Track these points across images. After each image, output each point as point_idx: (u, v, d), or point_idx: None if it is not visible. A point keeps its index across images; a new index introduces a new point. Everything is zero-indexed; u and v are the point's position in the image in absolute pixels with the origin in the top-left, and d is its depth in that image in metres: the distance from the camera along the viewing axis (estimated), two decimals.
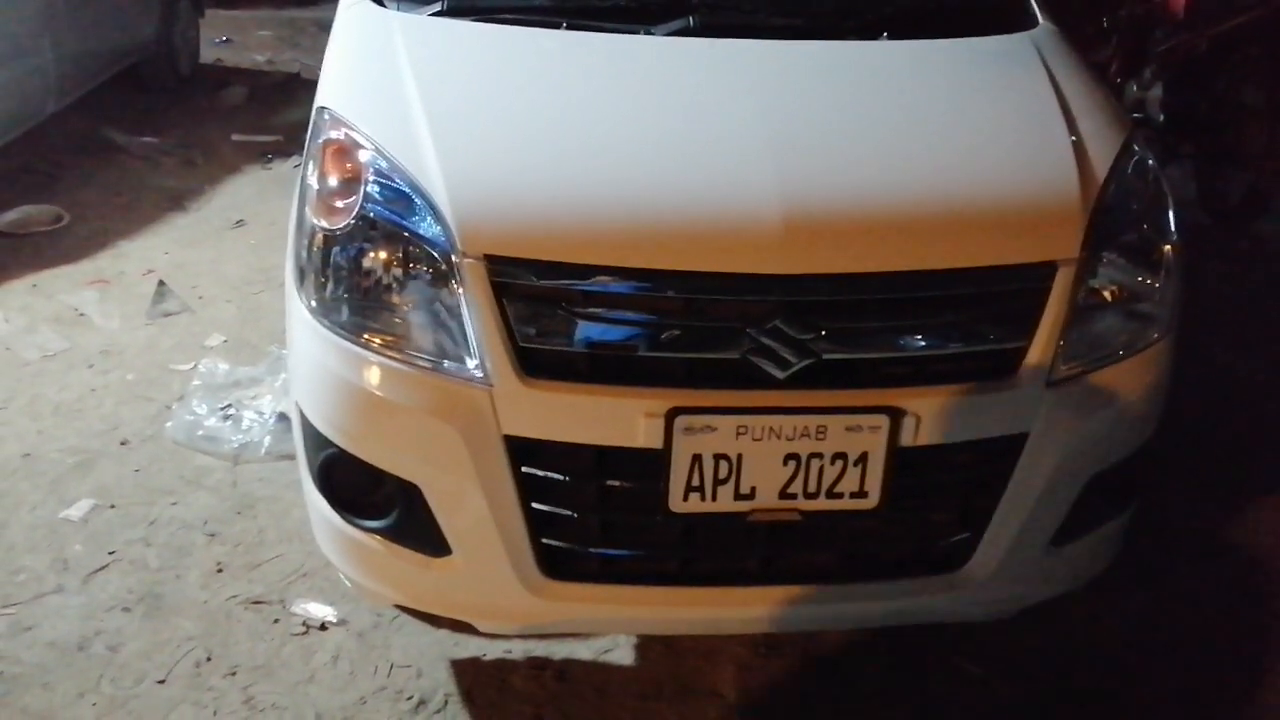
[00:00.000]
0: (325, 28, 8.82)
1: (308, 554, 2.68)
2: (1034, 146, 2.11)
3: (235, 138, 6.12)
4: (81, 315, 3.95)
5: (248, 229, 4.86)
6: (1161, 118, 5.35)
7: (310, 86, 7.77)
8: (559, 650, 2.41)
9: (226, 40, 8.32)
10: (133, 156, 5.70)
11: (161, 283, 4.18)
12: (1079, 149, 2.08)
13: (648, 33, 2.32)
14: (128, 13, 6.15)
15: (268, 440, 3.12)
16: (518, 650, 2.41)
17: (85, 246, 4.55)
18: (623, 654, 2.42)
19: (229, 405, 3.27)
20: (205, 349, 3.71)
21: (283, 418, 3.18)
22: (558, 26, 2.33)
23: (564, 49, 2.29)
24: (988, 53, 2.42)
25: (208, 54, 7.67)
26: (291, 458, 3.04)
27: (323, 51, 2.50)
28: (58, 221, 4.76)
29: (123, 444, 3.16)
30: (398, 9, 2.43)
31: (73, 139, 5.71)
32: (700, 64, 2.25)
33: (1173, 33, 5.40)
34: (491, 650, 2.41)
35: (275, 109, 6.75)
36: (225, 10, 8.82)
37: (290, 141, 6.01)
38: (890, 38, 2.40)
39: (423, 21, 2.37)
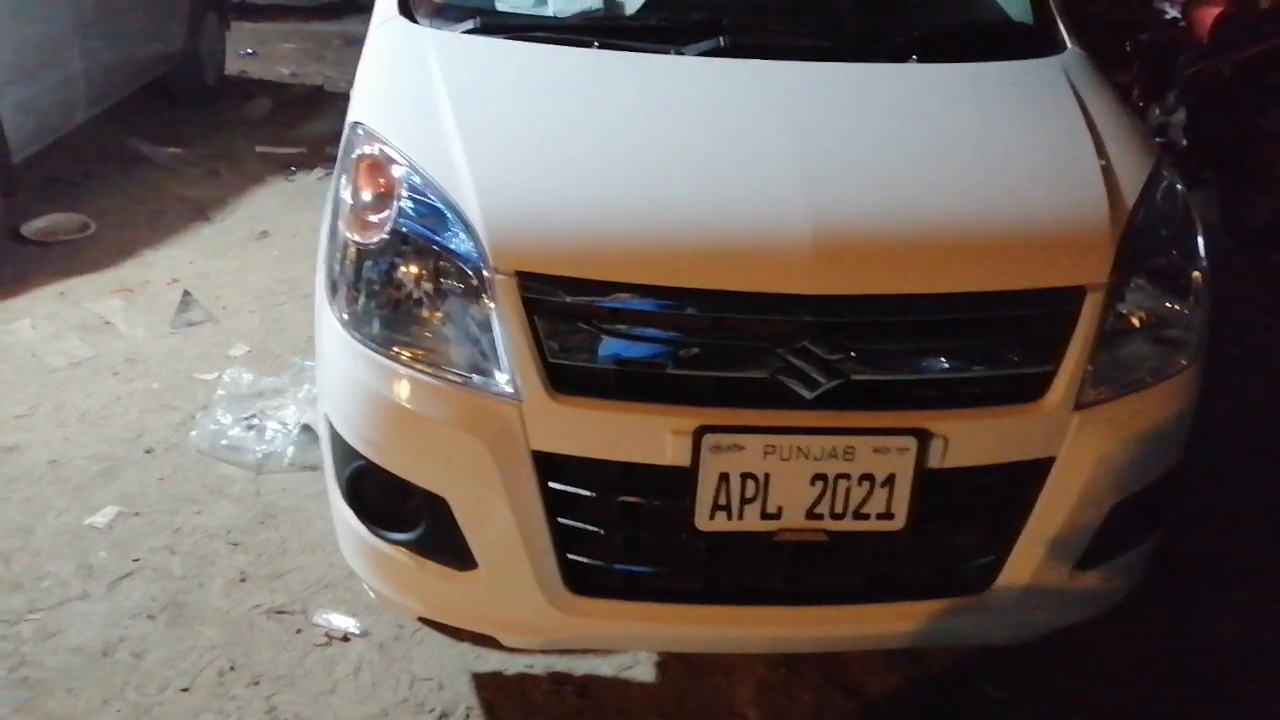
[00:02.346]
0: (349, 41, 8.91)
1: (330, 565, 2.70)
2: (1063, 171, 2.11)
3: (259, 149, 6.17)
4: (107, 323, 3.98)
5: (271, 240, 4.90)
6: (1184, 143, 5.35)
7: (334, 99, 7.81)
8: (580, 666, 2.42)
9: (252, 53, 8.40)
10: (158, 167, 5.76)
11: (186, 292, 4.21)
12: (1108, 174, 2.09)
13: (679, 53, 2.34)
14: (156, 25, 6.21)
15: (291, 451, 3.14)
16: (539, 665, 2.42)
17: (111, 255, 4.59)
18: (644, 671, 2.42)
19: (253, 415, 3.29)
20: (229, 359, 3.74)
21: (306, 429, 3.20)
22: (590, 46, 2.35)
23: (596, 68, 2.31)
24: (1017, 77, 2.43)
25: (233, 66, 7.74)
26: (314, 469, 3.06)
27: (347, 65, 2.52)
28: (84, 230, 4.80)
29: (147, 452, 3.18)
30: (431, 26, 2.45)
31: (100, 149, 5.76)
32: (731, 84, 2.27)
33: (1197, 57, 5.41)
34: (513, 664, 2.41)
35: (299, 121, 6.80)
36: (251, 23, 8.90)
37: (314, 154, 6.07)
38: (920, 61, 2.41)
39: (456, 39, 2.39)
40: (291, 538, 2.83)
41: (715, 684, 2.40)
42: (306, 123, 6.76)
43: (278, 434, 3.20)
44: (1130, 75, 5.83)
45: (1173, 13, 5.73)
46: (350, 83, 2.49)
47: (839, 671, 2.44)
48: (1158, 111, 5.59)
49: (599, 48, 2.35)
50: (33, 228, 4.72)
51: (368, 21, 2.65)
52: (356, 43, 9.33)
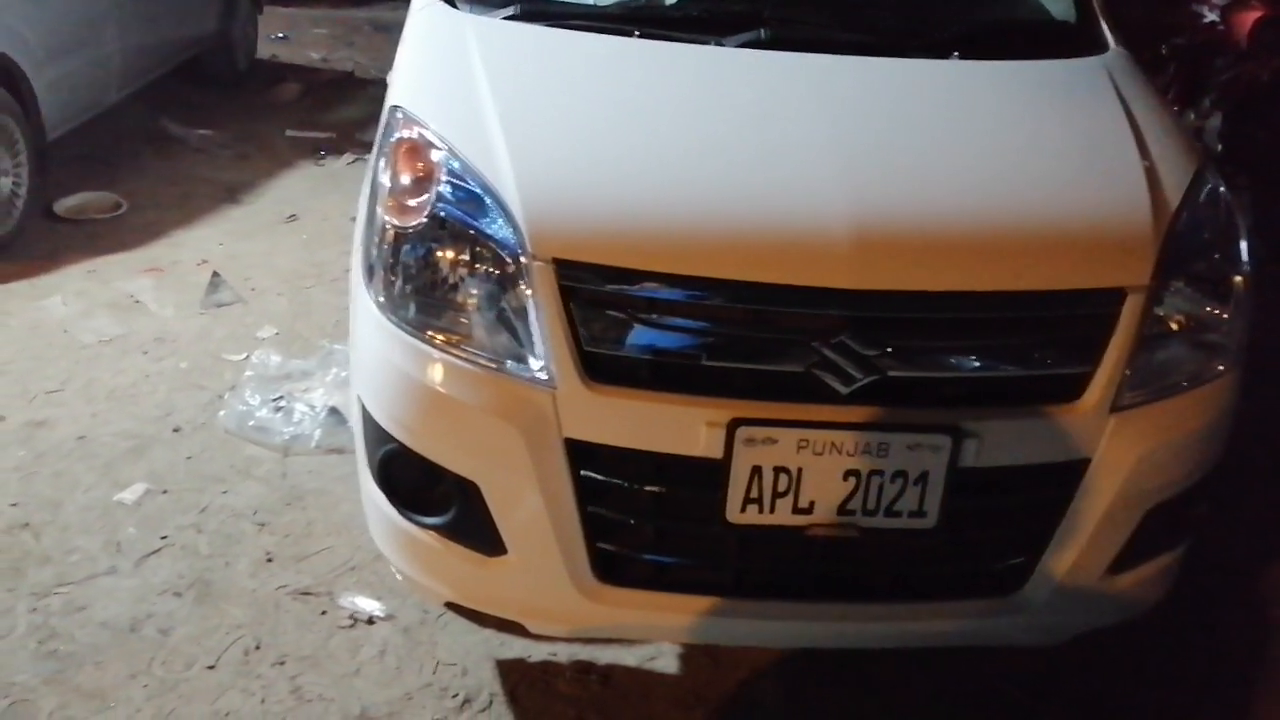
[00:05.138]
0: (379, 27, 8.83)
1: (355, 548, 2.71)
2: (1106, 171, 2.10)
3: (289, 133, 6.18)
4: (137, 302, 4.01)
5: (300, 224, 4.91)
6: (1219, 148, 5.30)
7: (363, 85, 7.76)
8: (604, 655, 2.42)
9: (283, 37, 8.41)
10: (189, 148, 5.78)
11: (215, 273, 4.23)
12: (1151, 175, 2.07)
13: (718, 44, 2.33)
14: (190, 7, 6.24)
15: (318, 434, 3.15)
16: (562, 653, 2.42)
17: (141, 235, 4.61)
18: (667, 662, 2.42)
19: (280, 397, 3.31)
20: (257, 340, 3.75)
21: (334, 412, 3.21)
22: (629, 35, 2.34)
23: (635, 57, 2.30)
24: (1059, 76, 2.41)
25: (264, 50, 7.75)
26: (341, 452, 3.07)
27: (376, 51, 2.53)
28: (116, 209, 4.83)
29: (175, 431, 3.20)
30: (470, 11, 2.45)
31: (132, 129, 5.79)
32: (771, 77, 2.25)
33: (1234, 62, 5.35)
34: (536, 652, 2.42)
35: (328, 106, 6.81)
36: (282, 7, 8.91)
37: (343, 139, 6.08)
38: (961, 57, 2.39)
39: (496, 25, 2.39)
40: (318, 520, 2.84)
41: (739, 677, 2.40)
42: (336, 108, 6.77)
43: (305, 416, 3.21)
44: (1165, 79, 5.77)
45: (1211, 17, 5.67)
46: (380, 69, 2.49)
47: (864, 668, 2.43)
48: (1193, 116, 5.53)
49: (638, 37, 2.34)
50: (65, 205, 4.76)
51: (397, 8, 2.65)
52: (386, 29, 9.29)
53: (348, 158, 5.80)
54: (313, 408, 3.25)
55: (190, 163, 5.58)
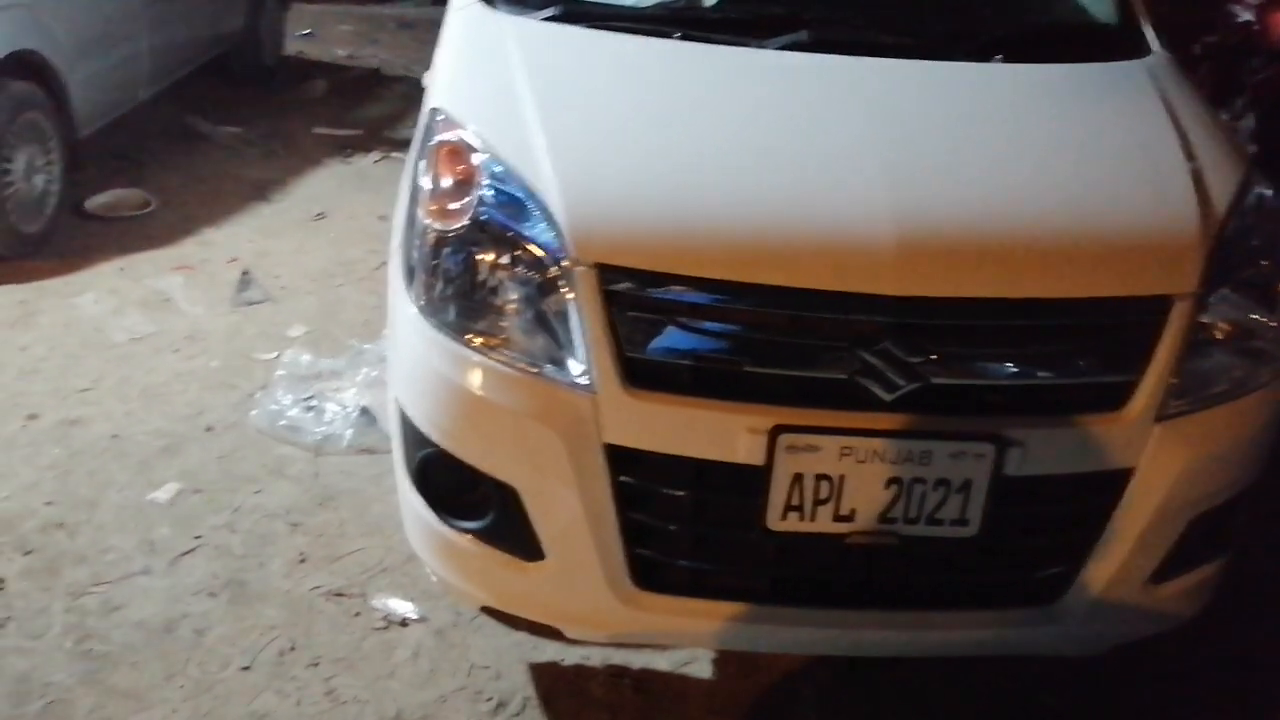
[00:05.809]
0: (404, 24, 8.77)
1: (388, 549, 2.71)
2: (1152, 177, 2.07)
3: (316, 130, 6.18)
4: (167, 300, 4.02)
5: (328, 222, 4.91)
6: (1253, 149, 5.24)
7: (390, 82, 7.71)
8: (637, 659, 2.41)
9: (308, 33, 8.42)
10: (217, 146, 5.79)
11: (245, 271, 4.24)
12: (1198, 181, 2.05)
13: (760, 46, 2.31)
14: (218, 3, 6.26)
15: (349, 434, 3.15)
16: (596, 657, 2.41)
17: (171, 232, 4.62)
18: (700, 667, 2.41)
19: (311, 397, 3.31)
20: (288, 339, 3.75)
21: (364, 412, 3.21)
22: (670, 37, 2.33)
23: (677, 59, 2.29)
24: (1103, 79, 2.38)
25: (290, 47, 7.75)
26: (372, 452, 3.07)
27: (402, 48, 2.52)
28: (145, 206, 4.85)
29: (208, 430, 3.21)
30: (509, 12, 2.44)
31: (161, 126, 5.81)
32: (814, 80, 2.24)
33: (1268, 62, 5.29)
34: (570, 655, 2.41)
35: (355, 103, 6.81)
36: (308, 4, 8.93)
37: (370, 136, 6.09)
38: (1004, 60, 2.37)
39: (536, 26, 2.38)
40: (350, 520, 2.84)
41: (772, 684, 2.39)
42: (363, 105, 6.77)
43: (336, 416, 3.22)
44: (1198, 79, 5.71)
45: (1245, 16, 5.60)
46: (406, 66, 2.49)
47: (899, 675, 2.42)
48: (1226, 117, 5.47)
49: (679, 39, 2.33)
50: (95, 203, 4.78)
51: (421, 4, 2.65)
52: (411, 26, 9.23)
53: (375, 155, 5.80)
54: (344, 407, 3.25)
55: (218, 160, 5.59)
